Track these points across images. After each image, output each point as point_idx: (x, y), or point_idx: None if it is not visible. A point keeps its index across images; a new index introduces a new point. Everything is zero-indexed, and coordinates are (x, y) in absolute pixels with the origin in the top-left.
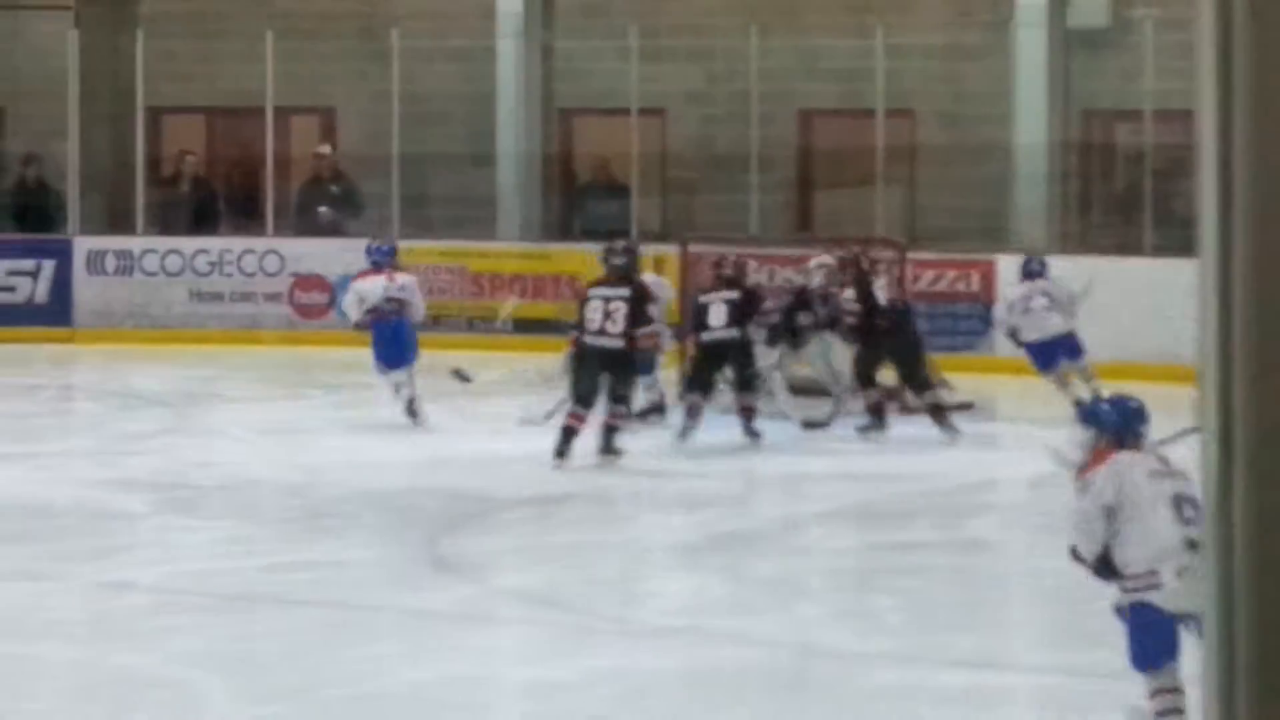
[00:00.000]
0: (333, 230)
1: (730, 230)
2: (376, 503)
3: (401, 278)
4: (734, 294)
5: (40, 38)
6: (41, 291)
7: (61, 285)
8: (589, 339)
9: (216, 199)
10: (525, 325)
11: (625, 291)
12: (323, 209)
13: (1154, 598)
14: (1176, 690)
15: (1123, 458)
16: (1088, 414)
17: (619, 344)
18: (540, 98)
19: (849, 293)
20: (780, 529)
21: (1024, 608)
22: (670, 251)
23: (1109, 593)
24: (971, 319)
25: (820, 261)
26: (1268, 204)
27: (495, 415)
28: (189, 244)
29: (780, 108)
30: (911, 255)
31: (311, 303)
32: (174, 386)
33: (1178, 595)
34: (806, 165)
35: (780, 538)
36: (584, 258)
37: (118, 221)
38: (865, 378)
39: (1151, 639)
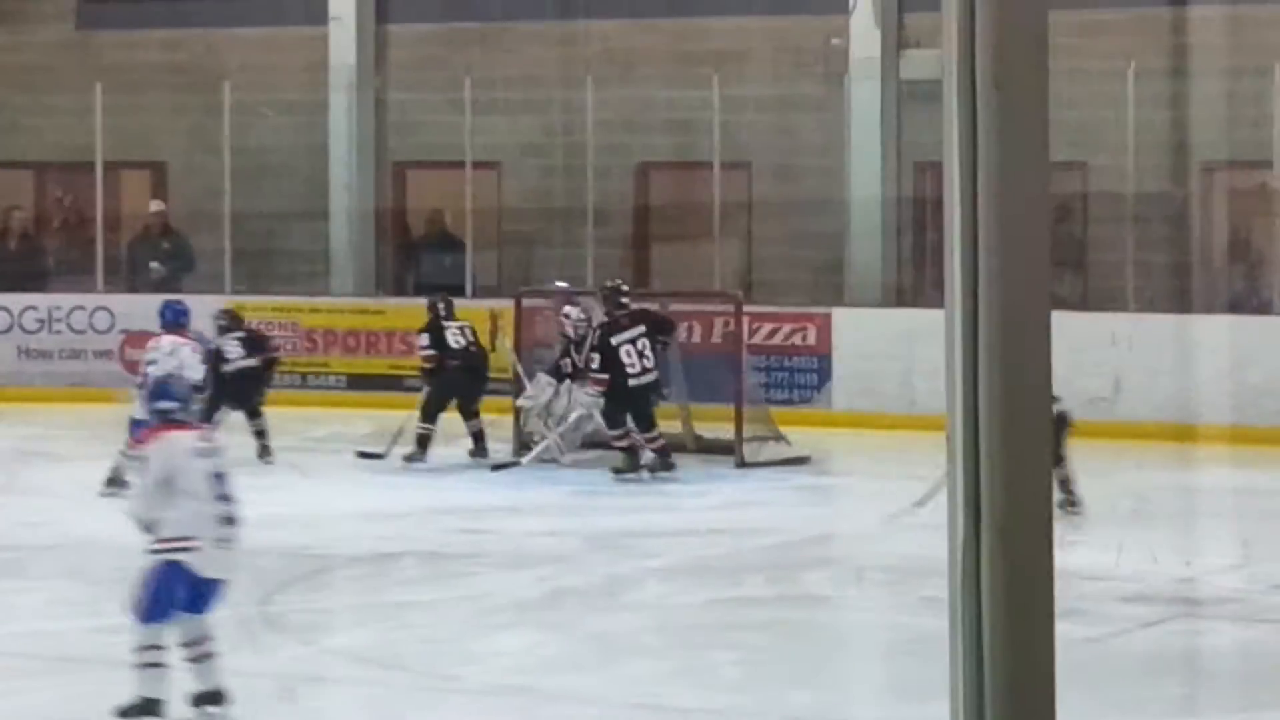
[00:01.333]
0: (165, 286)
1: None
2: None
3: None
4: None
5: None
6: None
7: None
8: (633, 382)
9: (45, 255)
10: (357, 382)
11: (643, 328)
12: (154, 264)
13: (185, 559)
14: (159, 648)
15: (172, 436)
16: (154, 393)
17: (655, 375)
18: (373, 150)
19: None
20: (615, 585)
21: (861, 662)
22: (506, 306)
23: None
24: (808, 372)
25: (568, 312)
26: (1010, 260)
27: (327, 471)
28: (16, 301)
29: (617, 160)
30: (748, 309)
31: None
32: (1, 445)
33: (212, 562)
34: (644, 218)
35: (615, 593)
36: (418, 312)
37: None
38: (610, 420)
39: (162, 596)
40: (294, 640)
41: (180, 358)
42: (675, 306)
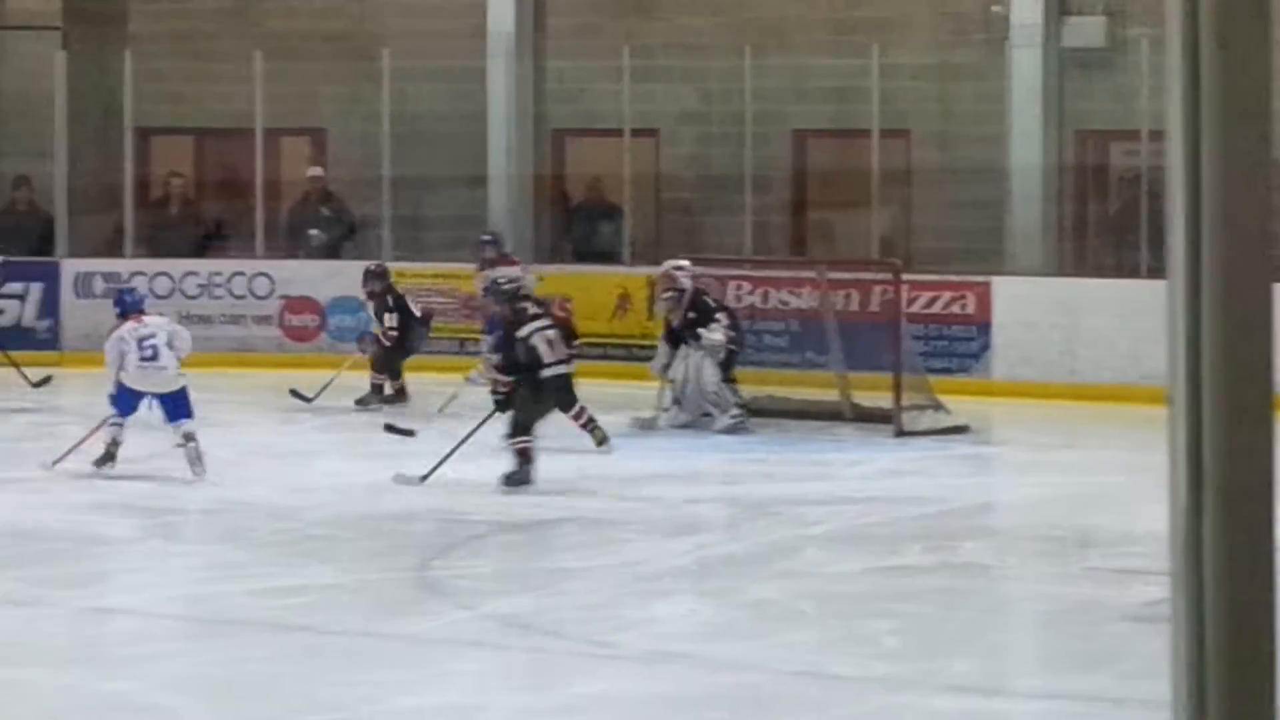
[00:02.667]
0: (324, 252)
1: (724, 251)
2: (366, 527)
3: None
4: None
5: (27, 59)
6: (29, 314)
7: (50, 308)
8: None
9: (205, 221)
10: None
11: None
12: (313, 231)
13: None
14: None
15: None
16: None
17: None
18: (532, 118)
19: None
20: (773, 552)
21: (1021, 632)
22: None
23: (1107, 615)
24: (967, 341)
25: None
26: (1233, 227)
27: (484, 438)
28: (178, 266)
29: (774, 128)
30: (907, 277)
31: (302, 325)
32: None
33: None
34: (800, 186)
35: (773, 562)
36: (576, 279)
37: (106, 244)
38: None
39: None
40: (452, 605)
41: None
42: (833, 274)
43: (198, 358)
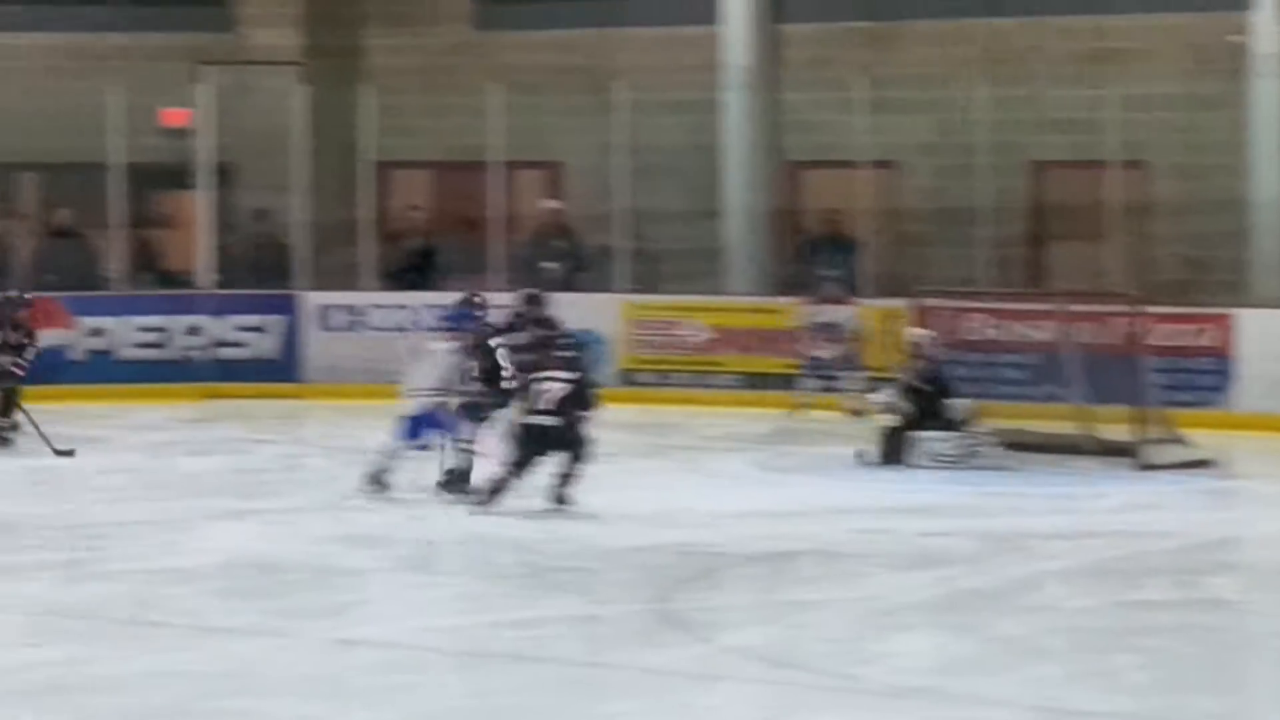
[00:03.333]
0: (558, 285)
1: (959, 284)
2: (607, 559)
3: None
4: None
5: (268, 94)
6: (271, 347)
7: (291, 340)
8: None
9: (442, 254)
10: (753, 380)
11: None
12: (548, 264)
13: None
14: None
15: None
16: None
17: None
18: (767, 150)
19: None
20: (1015, 586)
21: (1267, 668)
22: (900, 305)
23: None
24: (1209, 374)
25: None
26: None
27: (722, 471)
28: (417, 298)
29: (1012, 159)
30: (1147, 309)
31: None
32: None
33: None
34: (1038, 217)
35: (1015, 596)
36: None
37: (346, 276)
38: None
39: None
40: (691, 637)
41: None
42: (1073, 307)
43: None
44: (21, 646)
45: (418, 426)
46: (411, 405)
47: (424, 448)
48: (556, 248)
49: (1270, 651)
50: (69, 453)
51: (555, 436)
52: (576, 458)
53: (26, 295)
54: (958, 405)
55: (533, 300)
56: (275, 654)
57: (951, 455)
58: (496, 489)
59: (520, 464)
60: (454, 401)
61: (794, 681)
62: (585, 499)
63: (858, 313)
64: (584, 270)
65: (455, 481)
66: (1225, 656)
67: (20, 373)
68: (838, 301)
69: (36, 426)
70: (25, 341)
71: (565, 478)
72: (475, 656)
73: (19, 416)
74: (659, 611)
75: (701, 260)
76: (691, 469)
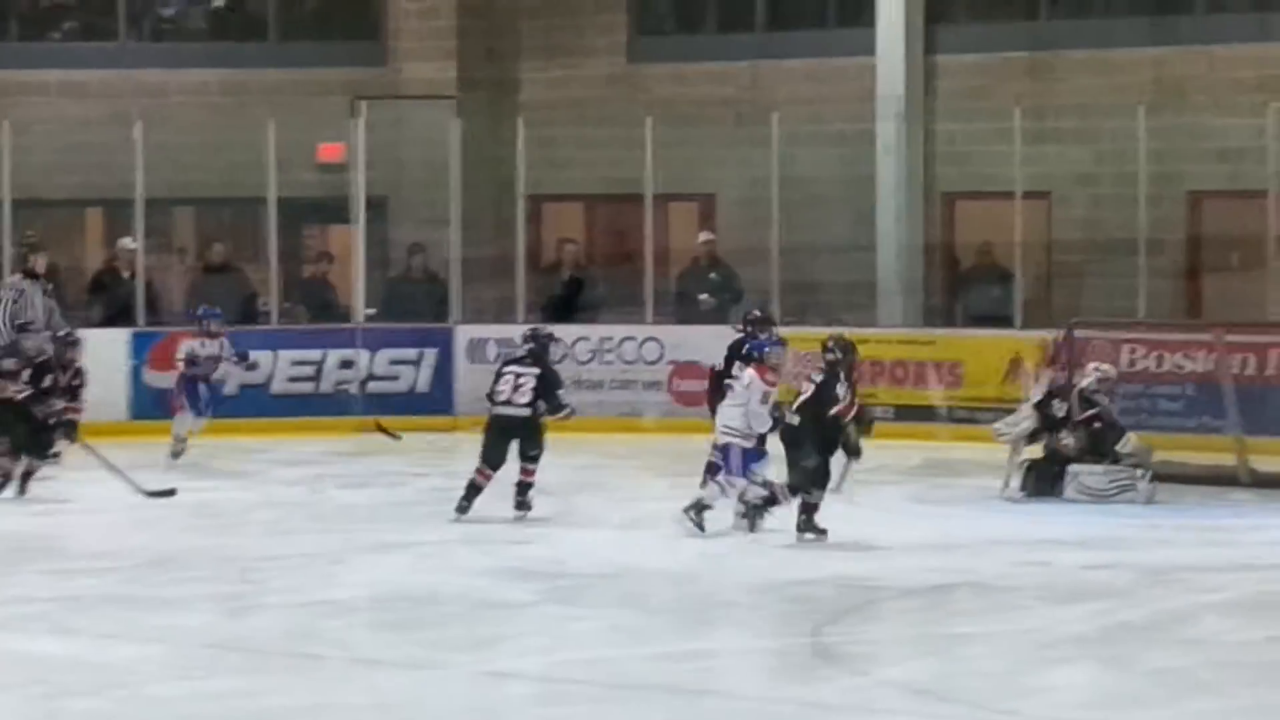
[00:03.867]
0: (712, 317)
1: (1115, 314)
2: (761, 591)
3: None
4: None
5: (423, 127)
6: (424, 379)
7: (443, 373)
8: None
9: (596, 286)
10: (908, 413)
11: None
12: (703, 296)
13: None
14: None
15: None
16: None
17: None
18: (922, 181)
19: None
20: (1173, 620)
21: None
22: (1054, 335)
23: None
24: None
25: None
26: None
27: (876, 503)
28: (569, 331)
29: (1169, 189)
30: None
31: (691, 390)
32: (555, 475)
33: None
34: (1195, 248)
35: (1173, 629)
36: (967, 344)
37: (499, 310)
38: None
39: None
40: (847, 671)
41: None
42: (1230, 338)
43: (589, 422)
44: (183, 679)
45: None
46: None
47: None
48: (710, 280)
49: None
50: (168, 493)
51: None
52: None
53: (74, 334)
54: (1130, 441)
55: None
56: (428, 686)
57: (1104, 489)
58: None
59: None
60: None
61: (951, 715)
62: (738, 532)
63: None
64: (737, 302)
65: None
66: None
67: (77, 416)
68: None
69: (119, 471)
70: (76, 384)
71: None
72: (630, 689)
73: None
74: (815, 645)
75: (855, 292)
76: (846, 500)
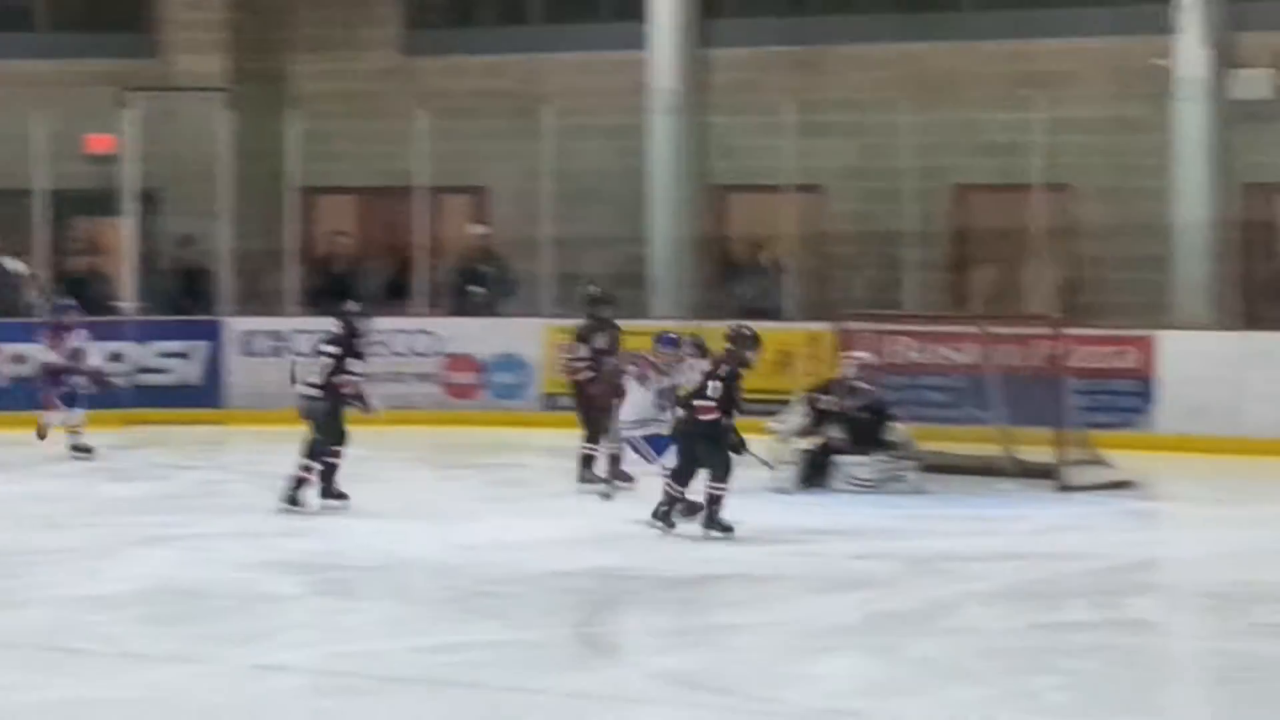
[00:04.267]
0: (485, 310)
1: (885, 307)
2: (529, 583)
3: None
4: None
5: (194, 120)
6: (194, 373)
7: (213, 366)
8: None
9: (368, 279)
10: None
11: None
12: (473, 288)
13: None
14: None
15: None
16: None
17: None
18: (694, 174)
19: None
20: (937, 609)
21: (1188, 688)
22: (823, 329)
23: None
24: (1130, 395)
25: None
26: None
27: (646, 494)
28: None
29: (936, 183)
30: (1069, 331)
31: (463, 383)
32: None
33: None
34: (963, 241)
35: (937, 618)
36: None
37: (270, 302)
38: None
39: None
40: (615, 662)
41: None
42: (995, 329)
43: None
44: None
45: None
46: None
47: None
48: (482, 273)
49: (1190, 672)
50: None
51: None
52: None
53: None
54: (897, 430)
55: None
56: (195, 681)
57: (872, 479)
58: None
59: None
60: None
61: (717, 705)
62: (511, 523)
63: None
64: (509, 295)
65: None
66: (1145, 677)
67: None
68: None
69: None
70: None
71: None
72: (396, 682)
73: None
74: (584, 635)
75: (627, 285)
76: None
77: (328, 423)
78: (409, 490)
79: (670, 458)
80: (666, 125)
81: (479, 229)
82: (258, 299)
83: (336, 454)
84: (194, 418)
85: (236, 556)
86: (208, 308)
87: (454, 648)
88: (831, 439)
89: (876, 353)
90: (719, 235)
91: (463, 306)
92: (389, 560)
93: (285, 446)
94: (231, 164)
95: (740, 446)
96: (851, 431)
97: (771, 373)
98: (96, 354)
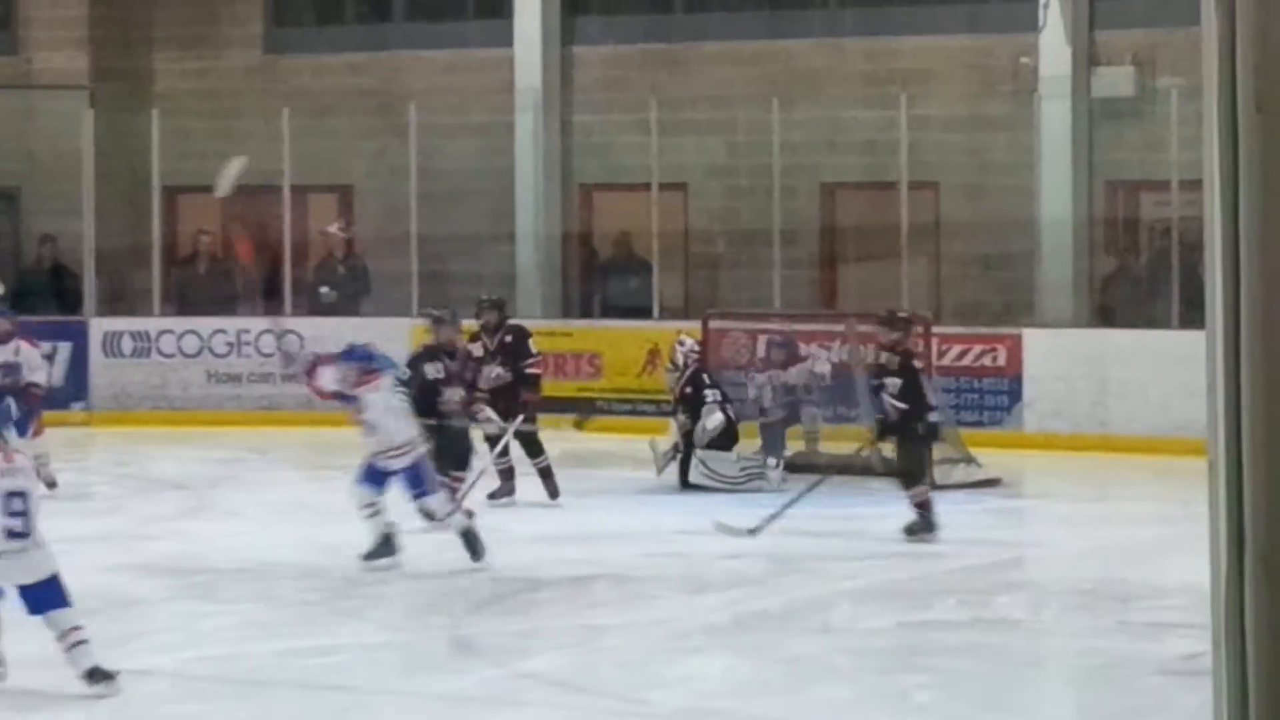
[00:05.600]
0: (342, 309)
1: (753, 305)
2: (398, 584)
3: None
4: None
5: (55, 117)
6: (57, 374)
7: (78, 367)
8: None
9: (232, 279)
10: (545, 404)
11: None
12: (324, 289)
13: None
14: None
15: None
16: None
17: None
18: (560, 173)
19: None
20: (804, 608)
21: (1055, 686)
22: (693, 327)
23: (1143, 669)
24: (998, 394)
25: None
26: (1273, 283)
27: (517, 495)
28: (206, 325)
29: (803, 181)
30: (937, 330)
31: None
32: (192, 469)
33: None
34: (830, 239)
35: (805, 617)
36: (605, 335)
37: (134, 302)
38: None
39: None
40: (486, 663)
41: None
42: (863, 328)
43: (226, 416)
44: None
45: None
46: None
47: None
48: (337, 272)
49: (1057, 670)
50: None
51: None
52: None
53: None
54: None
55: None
56: (61, 685)
57: (734, 477)
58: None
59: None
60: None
61: (587, 706)
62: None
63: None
64: (365, 293)
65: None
66: (1013, 676)
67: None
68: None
69: None
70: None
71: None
72: (260, 685)
73: None
74: (453, 637)
75: (494, 284)
76: (479, 493)
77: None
78: (276, 492)
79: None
80: (532, 123)
81: (332, 228)
82: (122, 299)
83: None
84: (58, 419)
85: (100, 560)
86: (70, 308)
87: (321, 650)
88: (681, 424)
89: (752, 353)
90: (586, 233)
91: (325, 306)
92: (255, 563)
93: (149, 448)
94: (93, 163)
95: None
96: (689, 418)
97: (640, 372)
98: (42, 366)
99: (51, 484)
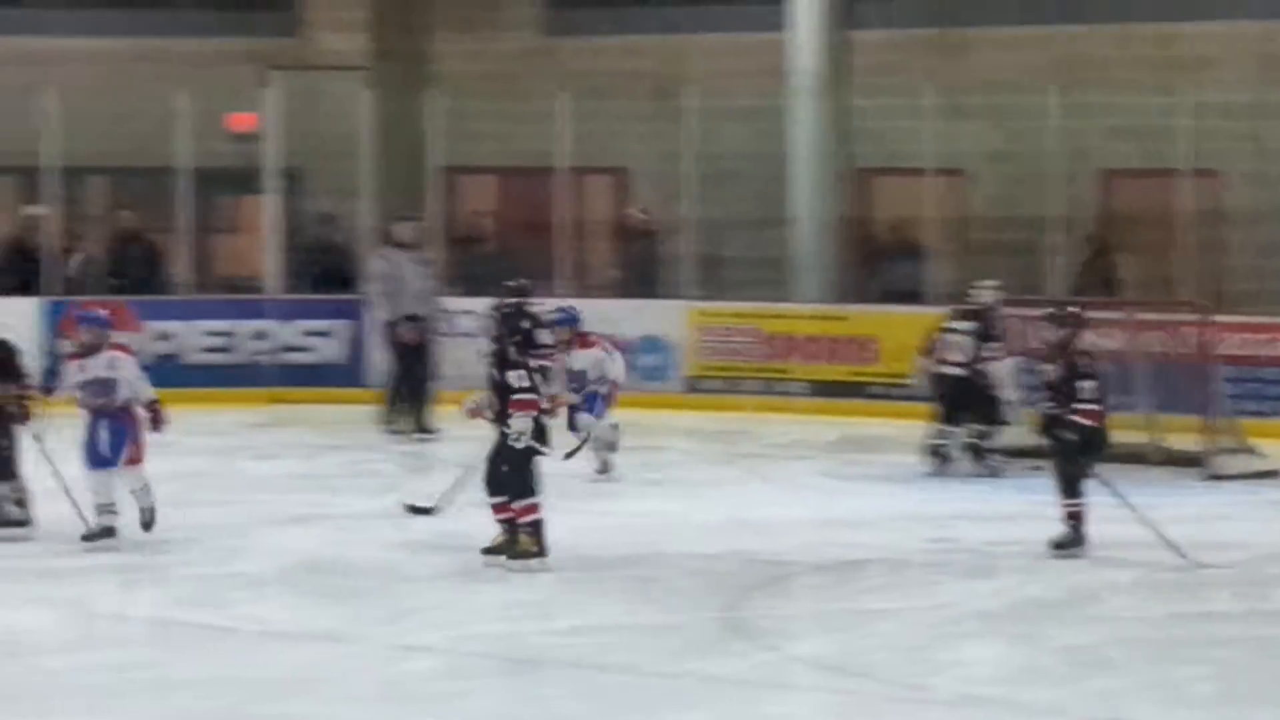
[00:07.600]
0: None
1: (1029, 293)
2: (671, 566)
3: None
4: None
5: (335, 98)
6: (337, 352)
7: (357, 345)
8: None
9: (509, 259)
10: (821, 388)
11: None
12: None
13: None
14: None
15: None
16: None
17: None
18: (835, 157)
19: None
20: (1080, 596)
21: None
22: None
23: None
24: (1279, 383)
25: None
26: None
27: (790, 479)
28: (485, 305)
29: (1081, 168)
30: (1218, 318)
31: None
32: (469, 448)
33: None
34: (1109, 226)
35: (1080, 606)
36: (881, 320)
37: None
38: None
39: None
40: (758, 647)
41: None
42: (1142, 316)
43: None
44: (82, 650)
45: None
46: None
47: None
48: (635, 254)
49: None
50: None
51: None
52: None
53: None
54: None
55: None
56: (336, 660)
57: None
58: None
59: None
60: None
61: (862, 691)
62: (652, 506)
63: None
64: (656, 280)
65: None
66: None
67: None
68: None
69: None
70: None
71: None
72: (533, 663)
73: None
74: (726, 620)
75: (768, 268)
76: (759, 477)
77: None
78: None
79: None
80: (807, 107)
81: (635, 211)
82: None
83: None
84: (336, 396)
85: (380, 537)
86: (350, 287)
87: (593, 630)
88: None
89: (1025, 341)
90: (862, 218)
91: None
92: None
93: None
94: (372, 143)
95: None
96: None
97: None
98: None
99: (147, 524)
